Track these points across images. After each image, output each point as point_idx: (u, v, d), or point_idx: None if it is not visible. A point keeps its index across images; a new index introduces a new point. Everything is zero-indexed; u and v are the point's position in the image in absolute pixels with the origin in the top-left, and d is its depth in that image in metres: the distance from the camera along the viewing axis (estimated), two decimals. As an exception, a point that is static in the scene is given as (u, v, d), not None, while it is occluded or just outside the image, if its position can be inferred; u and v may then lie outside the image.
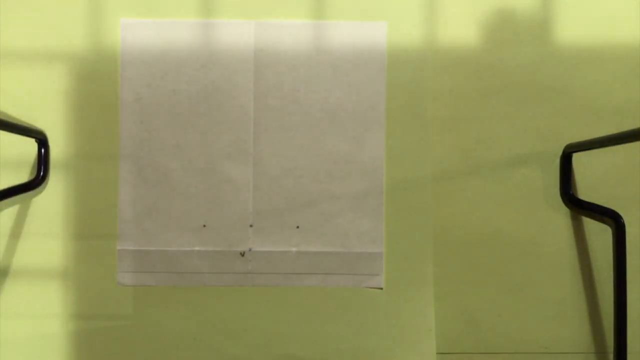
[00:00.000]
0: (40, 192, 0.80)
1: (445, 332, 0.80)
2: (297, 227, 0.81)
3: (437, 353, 0.80)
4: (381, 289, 0.80)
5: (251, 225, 0.80)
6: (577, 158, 0.80)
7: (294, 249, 0.81)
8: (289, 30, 0.81)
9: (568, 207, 0.81)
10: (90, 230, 0.80)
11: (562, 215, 0.81)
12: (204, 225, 0.80)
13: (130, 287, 0.80)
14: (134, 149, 0.80)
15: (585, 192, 0.81)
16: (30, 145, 0.78)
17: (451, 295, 0.81)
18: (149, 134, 0.80)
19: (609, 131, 0.69)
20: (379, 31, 0.81)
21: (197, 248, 0.80)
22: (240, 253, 0.80)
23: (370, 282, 0.80)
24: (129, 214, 0.80)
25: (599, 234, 0.80)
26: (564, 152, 0.80)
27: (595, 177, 0.81)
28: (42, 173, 0.78)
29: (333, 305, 0.80)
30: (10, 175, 0.79)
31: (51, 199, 0.80)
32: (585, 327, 0.80)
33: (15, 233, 0.79)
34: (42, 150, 0.79)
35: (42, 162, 0.78)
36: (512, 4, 0.81)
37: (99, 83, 0.80)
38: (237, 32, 0.80)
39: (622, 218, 0.77)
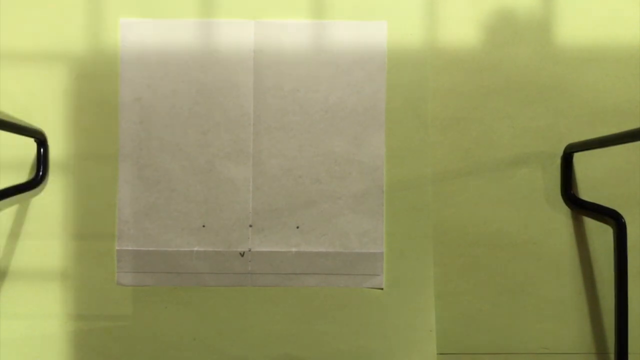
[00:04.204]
0: (40, 192, 0.79)
1: (445, 333, 0.80)
2: (297, 227, 0.80)
3: (437, 353, 0.80)
4: (381, 289, 0.80)
5: (251, 226, 0.80)
6: (578, 158, 0.80)
7: (293, 249, 0.80)
8: (288, 30, 0.80)
9: (569, 207, 0.81)
10: (90, 230, 0.80)
11: (563, 215, 0.81)
12: (204, 226, 0.80)
13: (130, 287, 0.80)
14: (133, 149, 0.80)
15: (586, 191, 0.81)
16: (29, 145, 0.78)
17: (451, 295, 0.80)
18: (148, 134, 0.80)
19: (609, 131, 0.69)
20: (379, 31, 0.81)
21: (196, 248, 0.80)
22: (240, 253, 0.80)
23: (371, 282, 0.80)
24: (128, 214, 0.80)
25: (600, 234, 0.80)
26: (564, 152, 0.80)
27: (596, 177, 0.81)
28: (41, 173, 0.78)
29: (333, 306, 0.80)
30: (10, 175, 0.79)
31: (50, 199, 0.79)
32: (586, 327, 0.80)
33: (15, 233, 0.79)
34: (42, 150, 0.78)
35: (42, 162, 0.78)
36: (512, 4, 0.81)
37: (98, 83, 0.80)
38: (237, 31, 0.80)
39: (623, 218, 0.77)
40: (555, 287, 0.81)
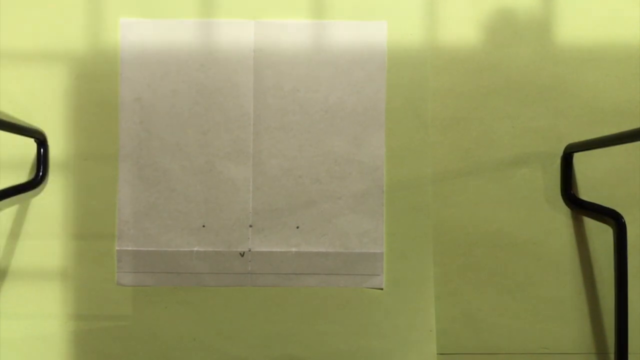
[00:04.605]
0: (40, 192, 0.79)
1: (445, 333, 0.80)
2: (297, 227, 0.80)
3: (437, 354, 0.80)
4: (381, 289, 0.80)
5: (251, 226, 0.80)
6: (578, 158, 0.80)
7: (293, 250, 0.80)
8: (288, 30, 0.80)
9: (569, 207, 0.81)
10: (90, 230, 0.80)
11: (562, 215, 0.81)
12: (204, 226, 0.80)
13: (130, 287, 0.80)
14: (133, 149, 0.80)
15: (586, 192, 0.81)
16: (29, 145, 0.78)
17: (451, 295, 0.80)
18: (148, 134, 0.80)
19: (609, 131, 0.69)
20: (379, 31, 0.81)
21: (196, 248, 0.80)
22: (240, 253, 0.80)
23: (371, 282, 0.80)
24: (128, 214, 0.80)
25: (600, 234, 0.80)
26: (564, 152, 0.80)
27: (595, 177, 0.81)
28: (41, 173, 0.78)
29: (333, 306, 0.80)
30: (10, 175, 0.79)
31: (50, 199, 0.79)
32: (586, 327, 0.80)
33: (15, 233, 0.79)
34: (42, 150, 0.78)
35: (42, 162, 0.78)
36: (512, 4, 0.81)
37: (98, 83, 0.80)
38: (237, 31, 0.80)
39: (623, 218, 0.77)
40: (555, 287, 0.81)
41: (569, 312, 0.80)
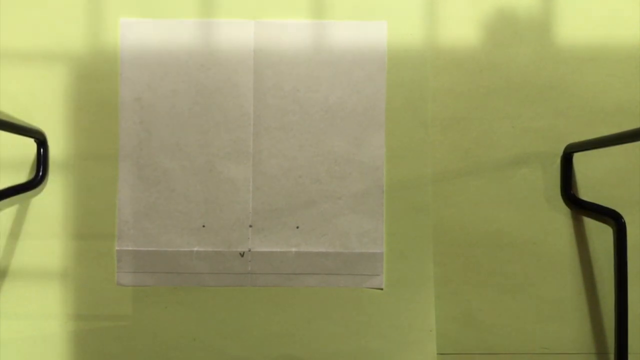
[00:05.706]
0: (40, 192, 0.79)
1: (445, 333, 0.80)
2: (297, 227, 0.80)
3: (437, 353, 0.80)
4: (381, 289, 0.80)
5: (251, 226, 0.80)
6: (578, 158, 0.80)
7: (293, 250, 0.80)
8: (289, 30, 0.80)
9: (569, 207, 0.81)
10: (90, 230, 0.80)
11: (562, 215, 0.81)
12: (204, 226, 0.80)
13: (130, 287, 0.80)
14: (133, 149, 0.80)
15: (585, 192, 0.81)
16: (29, 145, 0.78)
17: (451, 295, 0.80)
18: (148, 134, 0.80)
19: (609, 131, 0.69)
20: (379, 31, 0.81)
21: (196, 248, 0.80)
22: (240, 253, 0.80)
23: (371, 282, 0.80)
24: (128, 214, 0.80)
25: (600, 234, 0.80)
26: (564, 152, 0.80)
27: (595, 177, 0.81)
28: (41, 173, 0.78)
29: (333, 306, 0.80)
30: (10, 175, 0.79)
31: (50, 199, 0.79)
32: (586, 327, 0.80)
33: (15, 233, 0.79)
34: (42, 150, 0.78)
35: (42, 162, 0.78)
36: (512, 4, 0.81)
37: (98, 83, 0.80)
38: (237, 31, 0.80)
39: (622, 218, 0.77)
40: (555, 287, 0.81)
41: (569, 312, 0.80)
